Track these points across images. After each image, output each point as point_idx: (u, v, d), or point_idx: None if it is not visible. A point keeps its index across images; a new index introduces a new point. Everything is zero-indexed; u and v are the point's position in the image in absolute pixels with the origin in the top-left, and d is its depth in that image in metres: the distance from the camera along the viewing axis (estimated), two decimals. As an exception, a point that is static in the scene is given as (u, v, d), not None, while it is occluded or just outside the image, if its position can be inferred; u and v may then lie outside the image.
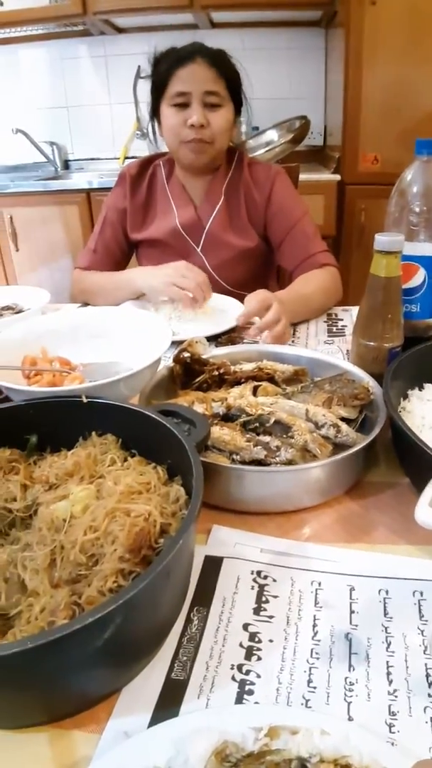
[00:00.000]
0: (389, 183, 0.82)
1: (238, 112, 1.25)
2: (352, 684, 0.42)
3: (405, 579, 0.50)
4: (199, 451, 0.50)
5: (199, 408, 0.68)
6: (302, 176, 1.74)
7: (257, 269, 1.36)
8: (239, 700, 0.41)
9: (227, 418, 0.68)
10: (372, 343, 0.77)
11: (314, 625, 0.46)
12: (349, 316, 1.15)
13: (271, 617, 0.47)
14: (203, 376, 0.76)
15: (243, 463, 0.62)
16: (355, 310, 1.13)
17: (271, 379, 0.77)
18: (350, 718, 0.39)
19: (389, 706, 0.40)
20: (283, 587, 0.50)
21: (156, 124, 1.26)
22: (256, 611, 0.48)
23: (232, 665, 0.43)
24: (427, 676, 0.42)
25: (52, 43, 2.64)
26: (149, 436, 0.54)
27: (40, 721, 0.39)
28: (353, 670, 0.43)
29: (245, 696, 0.41)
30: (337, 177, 2.23)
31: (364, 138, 2.15)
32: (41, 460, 0.56)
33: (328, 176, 2.26)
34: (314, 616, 0.47)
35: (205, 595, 0.50)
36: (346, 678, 0.42)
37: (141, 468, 0.53)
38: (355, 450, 0.60)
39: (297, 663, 0.43)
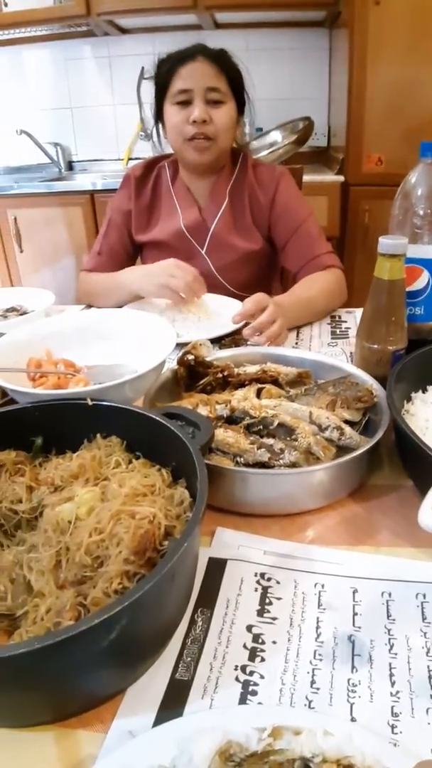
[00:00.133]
0: (393, 184, 0.83)
1: (241, 111, 1.25)
2: (354, 685, 0.42)
3: (408, 581, 0.51)
4: (203, 453, 0.50)
5: (203, 410, 0.68)
6: (306, 177, 1.74)
7: (261, 271, 1.36)
8: (243, 700, 0.41)
9: (231, 420, 0.68)
10: (376, 346, 0.78)
11: (317, 627, 0.47)
12: (353, 318, 1.14)
13: (274, 619, 0.48)
14: (207, 378, 0.77)
15: (247, 465, 0.62)
16: (358, 312, 1.13)
17: (275, 382, 0.77)
18: (353, 719, 0.40)
19: (392, 707, 0.40)
20: (286, 589, 0.51)
21: (160, 127, 1.27)
22: (260, 613, 0.48)
23: (236, 666, 0.44)
24: (430, 677, 0.42)
25: (55, 44, 2.65)
26: (154, 439, 0.54)
27: (46, 721, 0.40)
28: (356, 671, 0.43)
29: (249, 696, 0.42)
30: (341, 178, 2.23)
31: (368, 139, 2.14)
32: (46, 462, 0.57)
33: (332, 177, 2.25)
34: (317, 618, 0.48)
35: (209, 597, 0.50)
36: (348, 679, 0.42)
37: (145, 470, 0.53)
38: (358, 453, 0.60)
39: (300, 664, 0.44)
